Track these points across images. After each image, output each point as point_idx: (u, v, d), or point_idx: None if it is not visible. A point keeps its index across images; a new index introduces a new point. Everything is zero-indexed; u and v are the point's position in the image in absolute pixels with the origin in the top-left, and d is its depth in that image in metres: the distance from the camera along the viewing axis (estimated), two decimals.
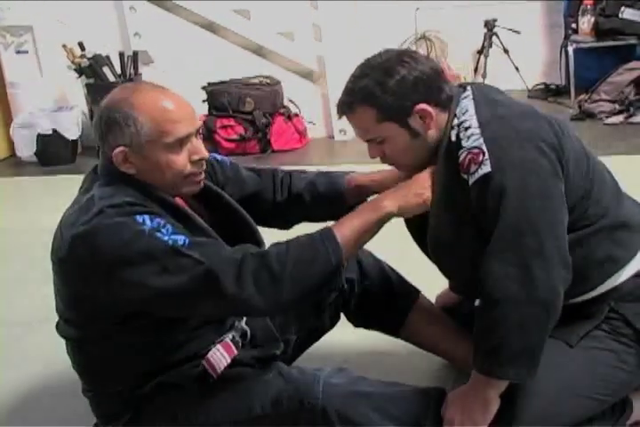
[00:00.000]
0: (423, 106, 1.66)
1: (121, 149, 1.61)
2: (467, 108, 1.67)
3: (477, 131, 1.61)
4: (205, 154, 1.67)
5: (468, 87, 1.72)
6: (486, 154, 1.58)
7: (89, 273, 1.58)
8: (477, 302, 1.91)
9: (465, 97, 1.70)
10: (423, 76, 1.65)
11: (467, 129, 1.63)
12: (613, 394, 1.75)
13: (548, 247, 1.55)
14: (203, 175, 1.70)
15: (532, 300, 1.54)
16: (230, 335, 1.77)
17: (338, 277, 1.62)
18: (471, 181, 1.60)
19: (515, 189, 1.56)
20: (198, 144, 1.66)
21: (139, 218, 1.55)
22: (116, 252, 1.53)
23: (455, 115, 1.68)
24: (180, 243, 1.54)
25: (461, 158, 1.61)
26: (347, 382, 1.70)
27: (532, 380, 1.60)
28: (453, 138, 1.65)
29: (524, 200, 1.56)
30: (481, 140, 1.60)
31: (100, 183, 1.66)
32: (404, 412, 1.69)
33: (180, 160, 1.63)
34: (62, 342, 1.82)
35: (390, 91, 1.64)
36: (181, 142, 1.62)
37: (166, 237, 1.54)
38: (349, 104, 1.69)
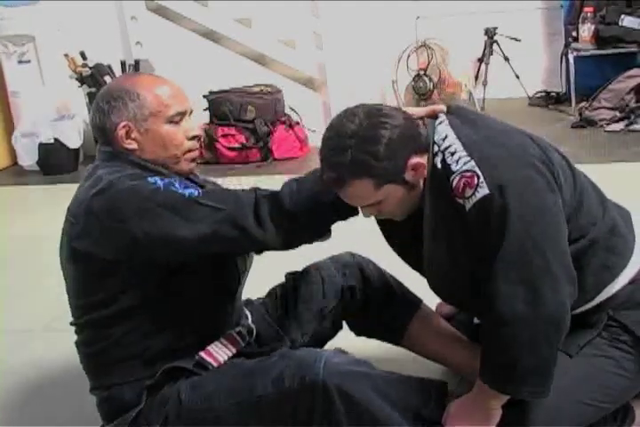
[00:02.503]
0: (414, 159, 1.61)
1: (124, 123, 1.73)
2: (445, 132, 1.63)
3: (464, 153, 1.58)
4: (199, 131, 1.81)
5: (441, 115, 1.68)
6: (481, 176, 1.54)
7: (113, 233, 1.65)
8: (476, 320, 1.91)
9: (440, 122, 1.66)
10: (404, 131, 1.60)
11: (453, 154, 1.59)
12: (614, 401, 1.75)
13: (554, 264, 1.54)
14: (197, 153, 1.82)
15: (540, 318, 1.52)
16: (237, 329, 1.85)
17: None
18: (468, 205, 1.56)
19: (516, 208, 1.53)
20: (192, 123, 1.80)
21: (150, 179, 1.68)
22: (138, 208, 1.64)
23: (434, 142, 1.64)
24: (196, 194, 1.67)
25: (455, 184, 1.57)
26: (348, 362, 1.71)
27: (546, 397, 1.58)
28: (439, 165, 1.61)
29: (527, 218, 1.54)
30: (472, 163, 1.56)
31: (102, 166, 1.76)
32: (403, 398, 1.69)
33: (179, 134, 1.76)
34: (63, 349, 1.83)
35: (384, 157, 1.58)
36: (180, 117, 1.76)
37: (181, 191, 1.66)
38: (341, 179, 1.60)
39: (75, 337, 1.87)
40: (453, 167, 1.58)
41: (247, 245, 1.71)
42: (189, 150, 1.78)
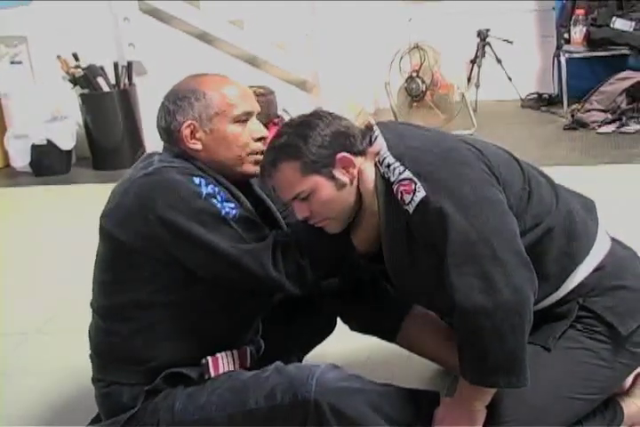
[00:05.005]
0: (344, 154, 1.69)
1: (189, 122, 1.73)
2: (379, 146, 1.71)
3: (397, 164, 1.66)
4: (266, 132, 1.78)
5: (375, 127, 1.76)
6: (417, 182, 1.62)
7: (137, 218, 1.66)
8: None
9: (376, 136, 1.73)
10: (341, 128, 1.71)
11: (388, 166, 1.68)
12: (600, 392, 1.77)
13: (500, 251, 1.57)
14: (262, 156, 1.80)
15: (499, 306, 1.55)
16: (250, 348, 1.84)
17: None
18: (411, 210, 1.63)
19: (452, 204, 1.59)
20: (259, 124, 1.78)
21: (196, 179, 1.67)
22: (169, 204, 1.63)
23: (377, 153, 1.71)
24: (231, 216, 1.66)
25: (395, 192, 1.65)
26: (341, 378, 1.71)
27: (525, 385, 1.59)
28: (384, 176, 1.69)
29: (466, 212, 1.59)
30: (407, 172, 1.64)
31: (160, 153, 1.77)
32: (396, 411, 1.70)
33: (245, 134, 1.75)
34: (58, 352, 1.83)
35: (312, 142, 1.68)
36: (246, 117, 1.75)
37: (219, 205, 1.66)
38: (273, 161, 1.70)
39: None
40: (392, 178, 1.67)
41: (261, 282, 1.69)
42: (255, 152, 1.77)
